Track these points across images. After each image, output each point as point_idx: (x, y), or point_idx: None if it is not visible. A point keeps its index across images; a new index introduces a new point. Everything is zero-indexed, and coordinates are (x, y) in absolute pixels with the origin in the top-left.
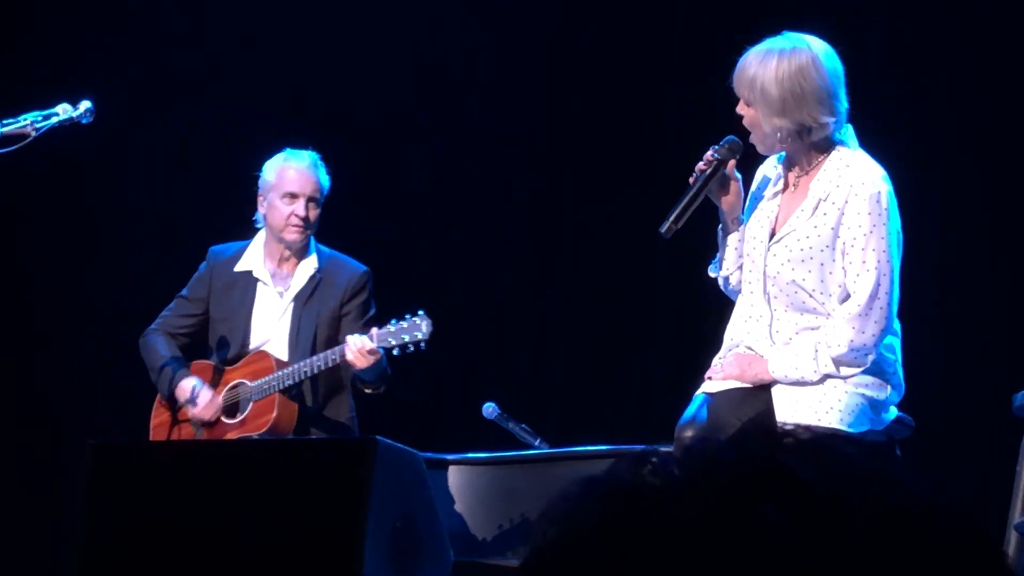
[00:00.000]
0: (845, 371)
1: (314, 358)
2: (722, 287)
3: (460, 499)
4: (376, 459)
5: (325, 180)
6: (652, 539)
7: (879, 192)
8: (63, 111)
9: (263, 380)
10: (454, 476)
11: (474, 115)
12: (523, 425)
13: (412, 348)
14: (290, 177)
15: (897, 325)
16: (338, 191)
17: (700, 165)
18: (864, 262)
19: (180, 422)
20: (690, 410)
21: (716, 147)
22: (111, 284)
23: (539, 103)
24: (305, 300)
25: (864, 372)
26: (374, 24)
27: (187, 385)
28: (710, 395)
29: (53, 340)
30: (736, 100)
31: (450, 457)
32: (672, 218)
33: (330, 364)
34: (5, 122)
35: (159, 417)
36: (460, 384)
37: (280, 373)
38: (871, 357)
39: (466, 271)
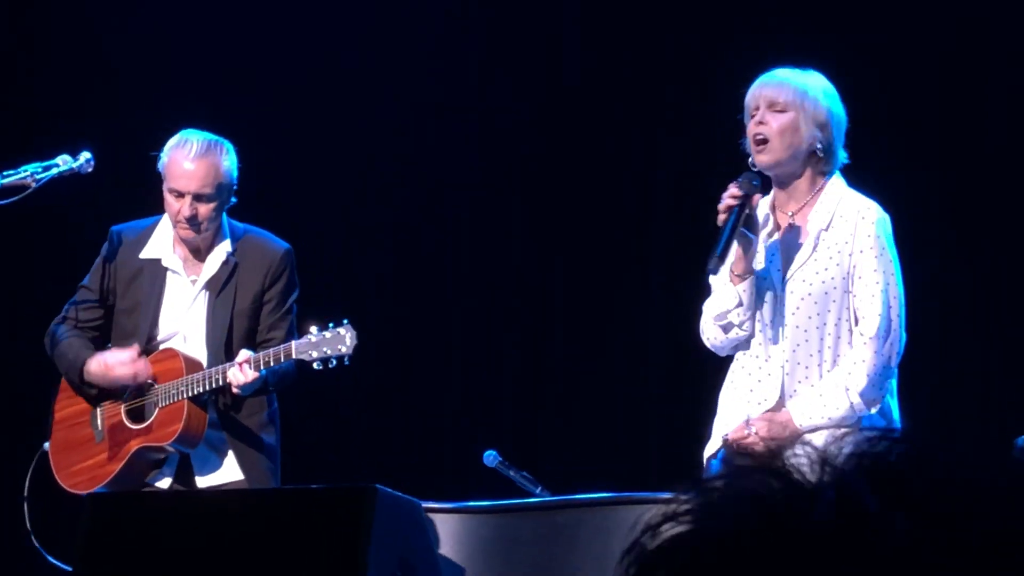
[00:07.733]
0: (871, 399)
1: (224, 366)
2: (722, 336)
3: (460, 548)
4: (375, 507)
5: (227, 167)
6: (781, 549)
7: (884, 218)
8: (63, 162)
9: (171, 384)
10: (455, 524)
11: (463, 153)
12: (524, 473)
13: (335, 362)
14: (174, 172)
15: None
16: (332, 238)
17: (728, 201)
18: (877, 283)
19: (96, 408)
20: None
21: (738, 181)
22: None
23: (537, 147)
24: (219, 289)
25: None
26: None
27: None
28: (722, 449)
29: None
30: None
31: (450, 505)
32: (719, 254)
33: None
34: (5, 174)
35: (65, 409)
36: (461, 432)
37: (189, 378)
38: (890, 380)
39: (466, 317)
